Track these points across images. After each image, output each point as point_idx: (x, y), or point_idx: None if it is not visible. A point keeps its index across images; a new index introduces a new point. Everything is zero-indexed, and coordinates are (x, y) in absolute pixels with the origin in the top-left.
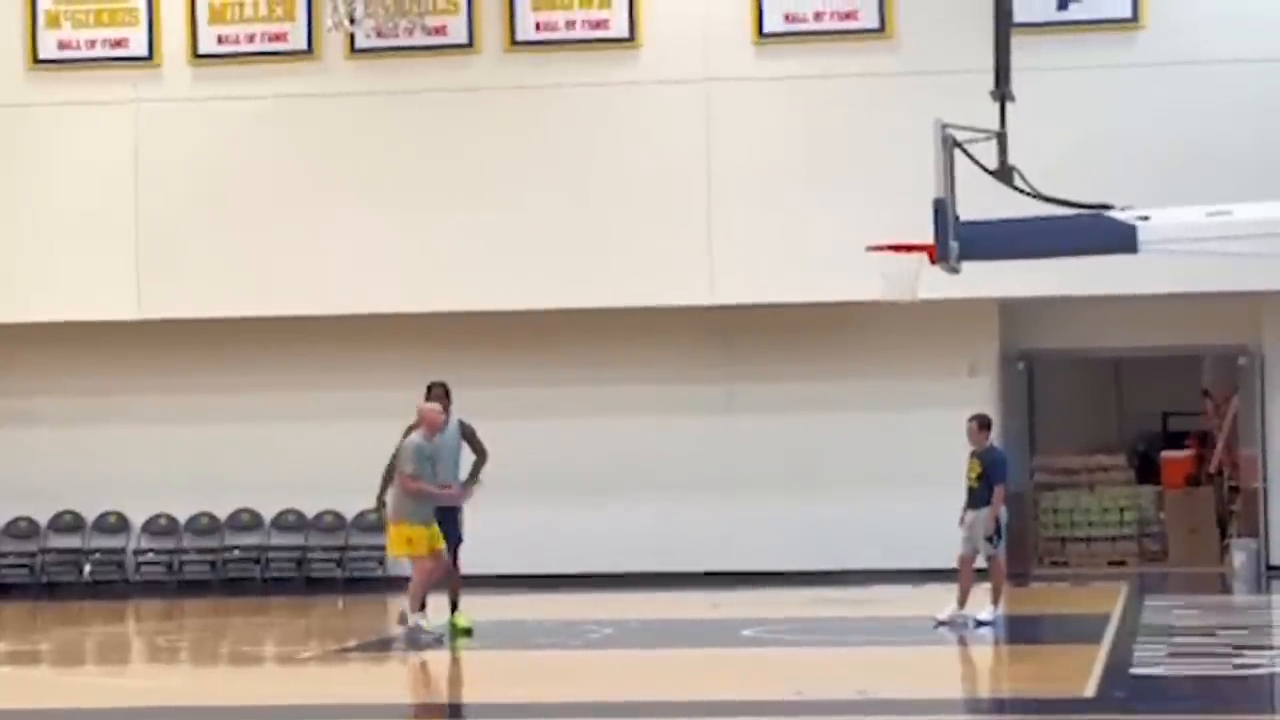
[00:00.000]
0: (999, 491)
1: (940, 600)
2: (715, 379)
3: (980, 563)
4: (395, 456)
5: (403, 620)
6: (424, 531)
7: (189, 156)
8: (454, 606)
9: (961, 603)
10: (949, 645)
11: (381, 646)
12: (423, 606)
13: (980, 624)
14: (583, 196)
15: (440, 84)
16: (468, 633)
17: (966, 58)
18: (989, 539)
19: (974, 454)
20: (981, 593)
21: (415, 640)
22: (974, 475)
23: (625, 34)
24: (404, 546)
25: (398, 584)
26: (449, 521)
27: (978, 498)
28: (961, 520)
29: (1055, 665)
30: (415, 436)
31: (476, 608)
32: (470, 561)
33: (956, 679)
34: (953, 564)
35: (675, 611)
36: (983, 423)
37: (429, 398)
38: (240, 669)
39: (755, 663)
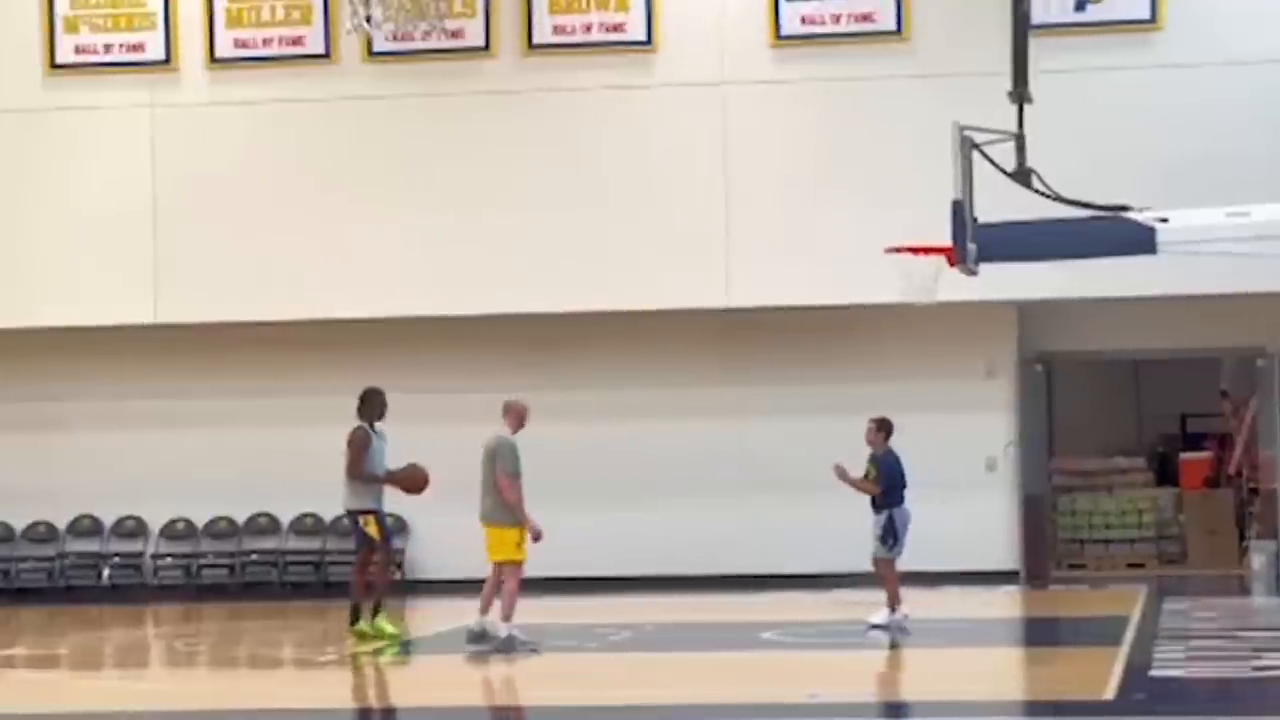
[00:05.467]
0: (870, 487)
1: (950, 602)
2: (731, 382)
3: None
4: (352, 458)
5: (505, 645)
6: (522, 534)
7: (206, 161)
8: (376, 610)
9: (891, 605)
10: (966, 647)
11: (401, 650)
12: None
13: (874, 627)
14: (599, 200)
15: (457, 88)
16: (364, 638)
17: (984, 60)
18: (882, 540)
19: (874, 458)
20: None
21: (511, 647)
22: (872, 478)
23: (642, 37)
24: (513, 551)
25: (416, 588)
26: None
27: (877, 502)
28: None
29: (1074, 668)
30: (506, 434)
31: (494, 611)
32: (484, 566)
33: (974, 681)
34: (964, 566)
35: (692, 615)
36: (881, 425)
37: (365, 405)
38: (258, 673)
39: (774, 666)
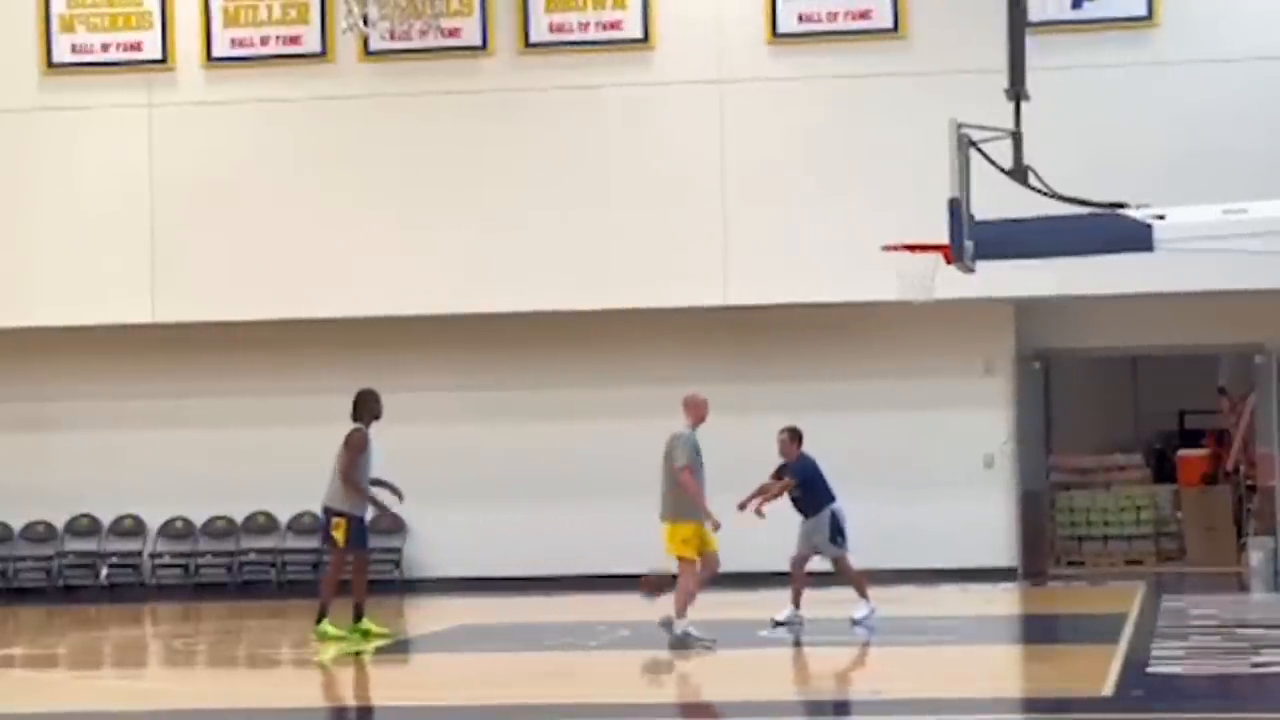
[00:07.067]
0: (786, 482)
1: (949, 599)
2: (729, 380)
3: (822, 564)
4: (349, 460)
5: (667, 625)
6: (696, 529)
7: (203, 160)
8: (359, 614)
9: (796, 603)
10: (965, 645)
11: (399, 649)
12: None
13: (857, 623)
14: (596, 198)
15: (454, 86)
16: (366, 635)
17: (981, 57)
18: (832, 540)
19: (788, 467)
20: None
21: (686, 644)
22: (794, 487)
23: (639, 35)
24: (682, 547)
25: (410, 587)
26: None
27: (805, 507)
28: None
29: (1073, 665)
30: (684, 428)
31: (495, 610)
32: (487, 565)
33: (973, 679)
34: (962, 563)
35: (691, 613)
36: (794, 435)
37: (361, 407)
38: (256, 672)
39: (772, 663)
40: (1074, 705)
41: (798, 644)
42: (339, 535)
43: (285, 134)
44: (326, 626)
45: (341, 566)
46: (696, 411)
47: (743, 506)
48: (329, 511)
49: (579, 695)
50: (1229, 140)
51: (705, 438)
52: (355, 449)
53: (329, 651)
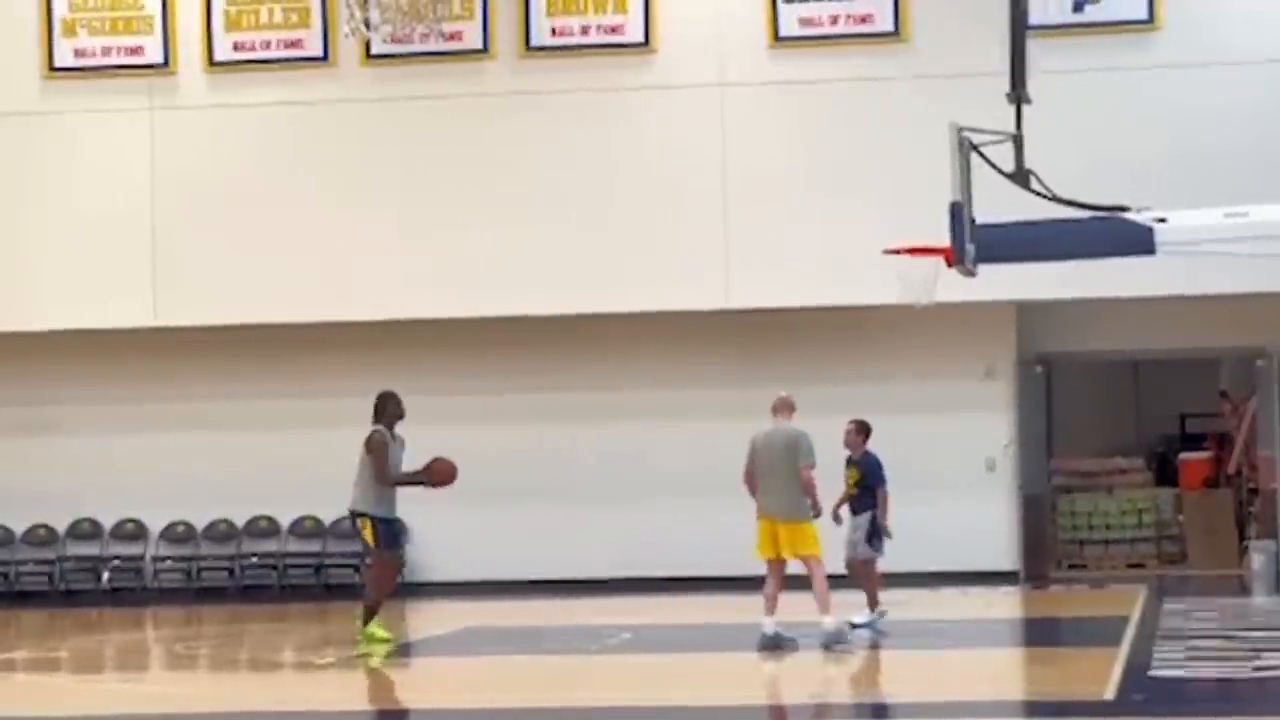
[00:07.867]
0: (882, 494)
1: (950, 602)
2: (731, 383)
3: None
4: (378, 463)
5: (836, 638)
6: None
7: (205, 164)
8: (371, 615)
9: (872, 605)
10: (966, 648)
11: (399, 652)
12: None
13: (855, 627)
14: (598, 202)
15: (455, 90)
16: (378, 641)
17: (982, 61)
18: (869, 541)
19: (852, 461)
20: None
21: (842, 638)
22: (853, 482)
23: (640, 39)
24: (813, 545)
25: (414, 591)
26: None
27: (863, 504)
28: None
29: (1075, 668)
30: (791, 426)
31: (495, 613)
32: (490, 568)
33: (975, 682)
34: (963, 567)
35: (694, 616)
36: (861, 428)
37: (381, 409)
38: (258, 676)
39: (776, 667)
40: (1075, 708)
41: (793, 649)
42: (367, 536)
43: (287, 138)
44: (375, 628)
45: (385, 564)
46: (792, 409)
47: (856, 515)
48: (354, 514)
49: (582, 699)
50: (1230, 143)
51: (706, 441)
52: (379, 451)
53: (380, 650)
